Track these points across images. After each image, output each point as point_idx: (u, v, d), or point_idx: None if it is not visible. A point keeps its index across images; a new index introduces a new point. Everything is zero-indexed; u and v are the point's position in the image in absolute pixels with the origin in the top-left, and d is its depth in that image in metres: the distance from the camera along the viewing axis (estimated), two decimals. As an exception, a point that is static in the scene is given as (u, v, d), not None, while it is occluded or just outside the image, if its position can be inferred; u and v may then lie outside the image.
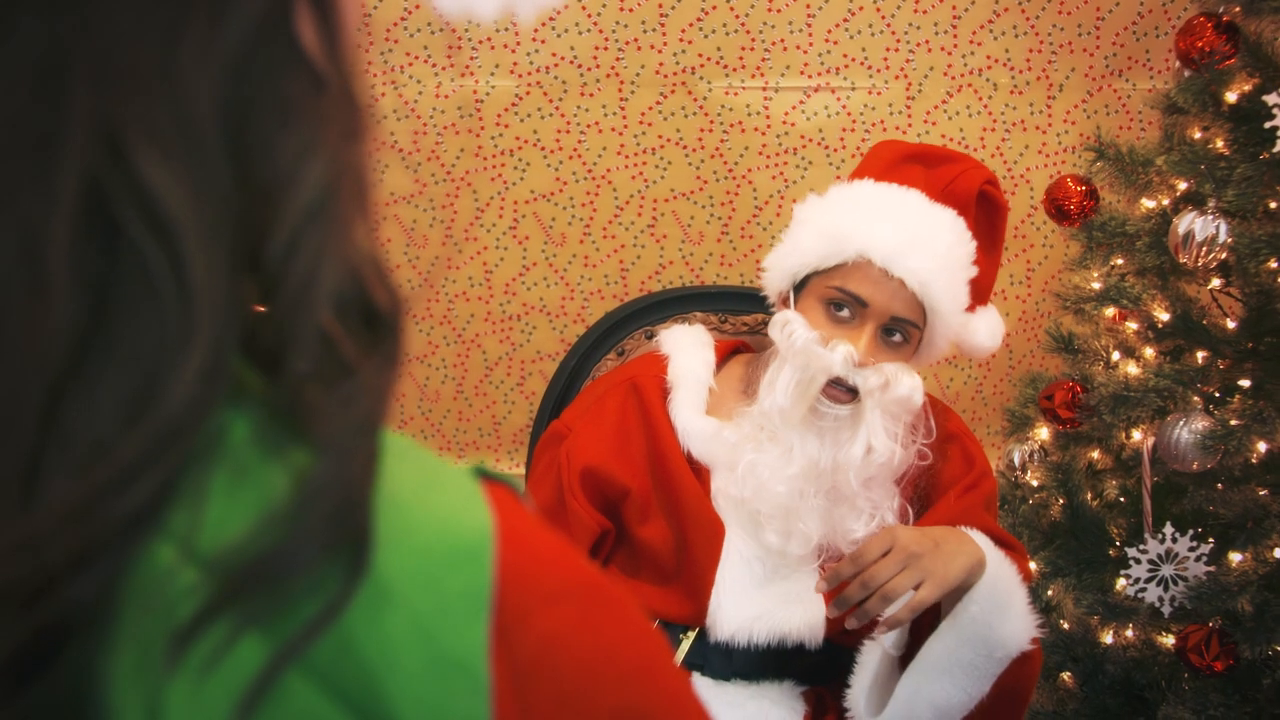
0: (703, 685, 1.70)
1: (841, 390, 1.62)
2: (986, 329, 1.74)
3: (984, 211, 1.70)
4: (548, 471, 1.75)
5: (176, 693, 0.49)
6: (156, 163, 0.48)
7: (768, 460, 1.65)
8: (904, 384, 1.61)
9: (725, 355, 1.82)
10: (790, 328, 1.65)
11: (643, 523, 1.71)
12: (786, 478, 1.64)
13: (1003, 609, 1.52)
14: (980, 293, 1.72)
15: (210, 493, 0.51)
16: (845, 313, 1.63)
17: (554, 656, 0.57)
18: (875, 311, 1.61)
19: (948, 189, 1.67)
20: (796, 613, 1.68)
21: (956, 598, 1.50)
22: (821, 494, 1.64)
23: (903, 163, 1.71)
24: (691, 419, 1.71)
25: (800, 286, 1.69)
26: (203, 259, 0.49)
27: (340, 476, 0.51)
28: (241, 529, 0.50)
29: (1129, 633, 2.17)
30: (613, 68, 2.61)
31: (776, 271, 1.71)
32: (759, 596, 1.68)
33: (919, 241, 1.61)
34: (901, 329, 1.63)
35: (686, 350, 1.79)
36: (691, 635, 1.71)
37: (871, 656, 1.56)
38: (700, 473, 1.71)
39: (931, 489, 1.71)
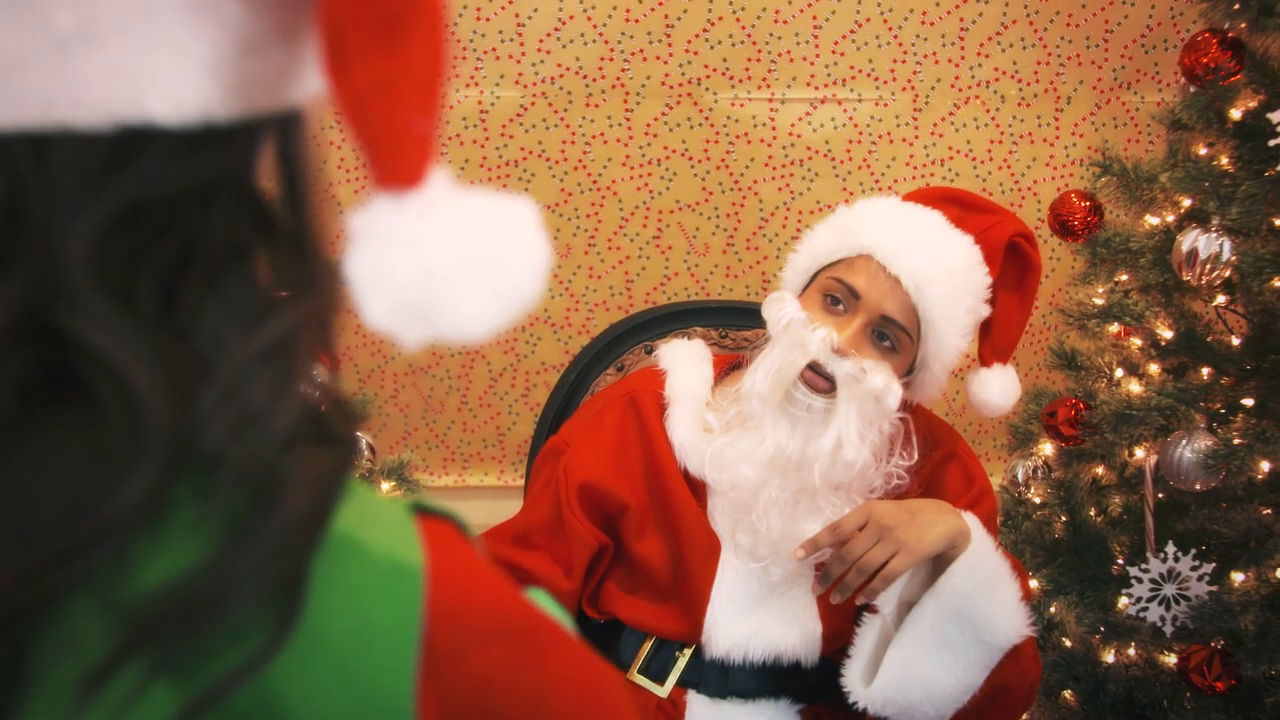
0: (698, 703, 1.70)
1: (818, 377, 1.60)
2: (1000, 386, 1.71)
3: (1013, 264, 1.67)
4: (546, 487, 1.74)
5: None
6: (86, 313, 0.49)
7: (738, 443, 1.64)
8: (878, 379, 1.57)
9: (724, 370, 1.81)
10: (782, 304, 1.65)
11: (640, 539, 1.71)
12: (754, 461, 1.63)
13: (988, 589, 1.51)
14: (1000, 349, 1.70)
15: (136, 544, 0.51)
16: (840, 305, 1.62)
17: (489, 699, 0.56)
18: (867, 305, 1.59)
19: (981, 235, 1.65)
20: (793, 631, 1.67)
21: (941, 569, 1.51)
22: (788, 490, 1.62)
23: (939, 199, 1.70)
24: (688, 436, 1.71)
25: (809, 284, 1.69)
26: (149, 394, 0.50)
27: (276, 523, 0.51)
28: (167, 574, 0.50)
29: (1131, 652, 2.15)
30: (618, 79, 2.61)
31: (791, 271, 1.71)
32: (755, 614, 1.67)
33: (924, 247, 1.60)
34: (892, 334, 1.60)
35: (684, 366, 1.78)
36: (687, 653, 1.70)
37: (871, 630, 1.56)
38: (697, 489, 1.71)
39: None
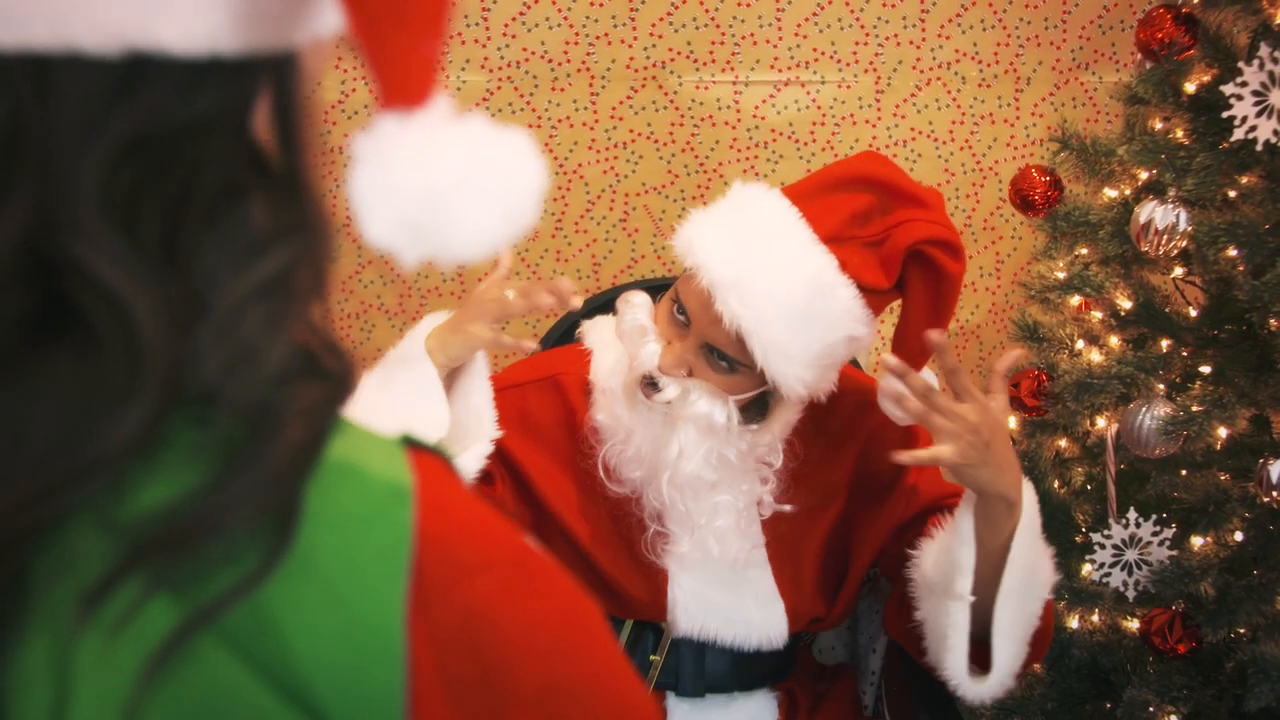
0: (678, 706, 1.70)
1: (649, 387, 1.57)
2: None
3: (919, 272, 1.54)
4: None
5: (86, 651, 0.50)
6: (93, 243, 0.50)
7: (631, 439, 1.62)
8: (699, 404, 1.53)
9: None
10: (630, 307, 1.62)
11: (577, 525, 1.69)
12: (628, 461, 1.62)
13: (1039, 552, 1.51)
14: (909, 355, 1.55)
15: (135, 470, 0.52)
16: (683, 318, 1.56)
17: (476, 629, 0.57)
18: (695, 331, 1.54)
19: (881, 235, 1.52)
20: (756, 613, 1.67)
21: (999, 511, 1.46)
22: (659, 498, 1.61)
23: (849, 186, 1.54)
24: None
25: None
26: (150, 326, 0.50)
27: (272, 450, 0.52)
28: (165, 498, 0.51)
29: (1094, 617, 2.19)
30: (583, 62, 2.63)
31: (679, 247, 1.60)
32: (717, 595, 1.67)
33: (755, 285, 1.48)
34: (728, 359, 1.54)
35: (610, 345, 1.71)
36: (661, 658, 1.69)
37: (961, 619, 1.48)
38: None
39: (880, 480, 1.70)
